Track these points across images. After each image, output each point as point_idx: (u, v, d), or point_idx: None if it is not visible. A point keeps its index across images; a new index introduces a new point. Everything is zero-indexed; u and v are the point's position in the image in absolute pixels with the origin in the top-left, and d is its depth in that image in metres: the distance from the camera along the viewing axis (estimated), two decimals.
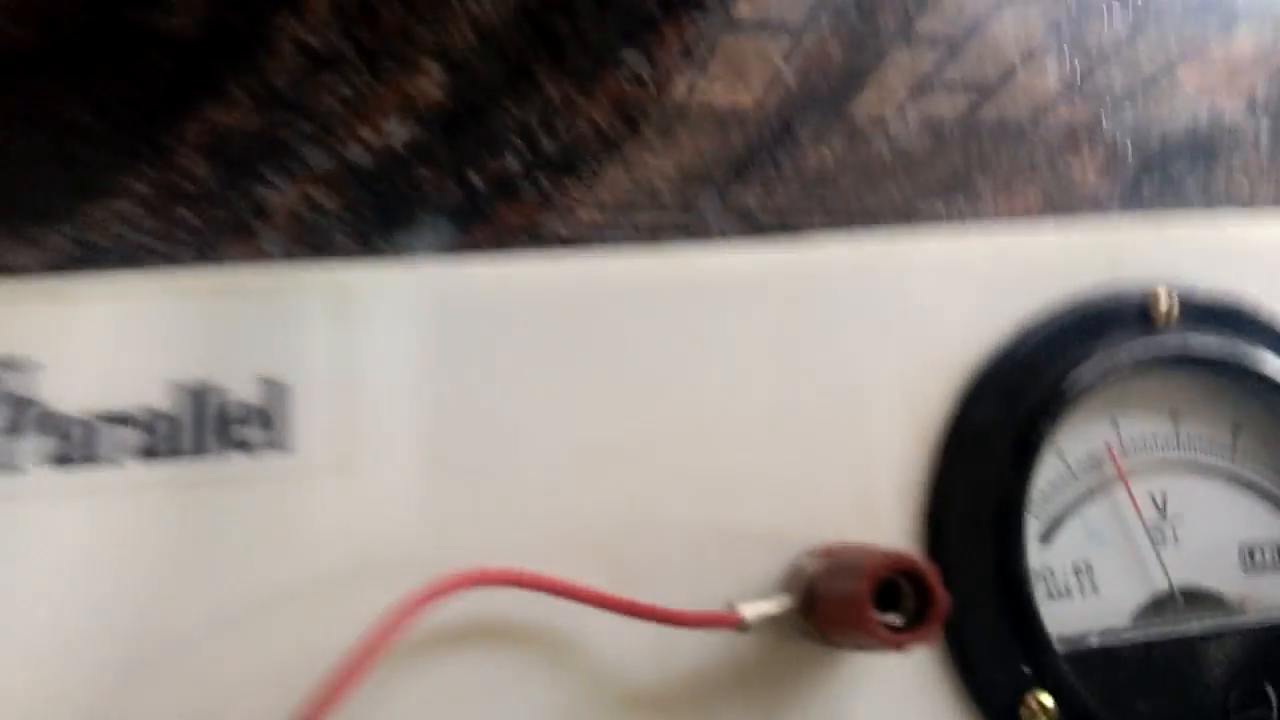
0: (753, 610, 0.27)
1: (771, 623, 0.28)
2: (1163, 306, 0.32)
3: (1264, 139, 0.40)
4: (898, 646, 0.25)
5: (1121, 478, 0.32)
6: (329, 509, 0.28)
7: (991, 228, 0.33)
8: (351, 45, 0.34)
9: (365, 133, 0.36)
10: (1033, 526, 0.32)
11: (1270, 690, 0.30)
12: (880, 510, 0.30)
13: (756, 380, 0.31)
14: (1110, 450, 0.32)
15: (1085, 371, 0.31)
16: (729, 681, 0.29)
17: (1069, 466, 0.32)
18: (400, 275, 0.30)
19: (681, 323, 0.30)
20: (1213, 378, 0.33)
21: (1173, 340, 0.32)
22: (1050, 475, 0.32)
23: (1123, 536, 0.32)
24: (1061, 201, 0.37)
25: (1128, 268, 0.33)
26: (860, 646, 0.27)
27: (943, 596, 0.25)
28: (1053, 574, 0.32)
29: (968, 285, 0.32)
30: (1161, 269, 0.33)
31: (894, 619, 0.25)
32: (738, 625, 0.27)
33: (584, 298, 0.30)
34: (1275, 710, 0.30)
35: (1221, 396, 0.33)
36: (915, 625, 0.25)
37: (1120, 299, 0.32)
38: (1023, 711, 0.29)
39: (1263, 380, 0.32)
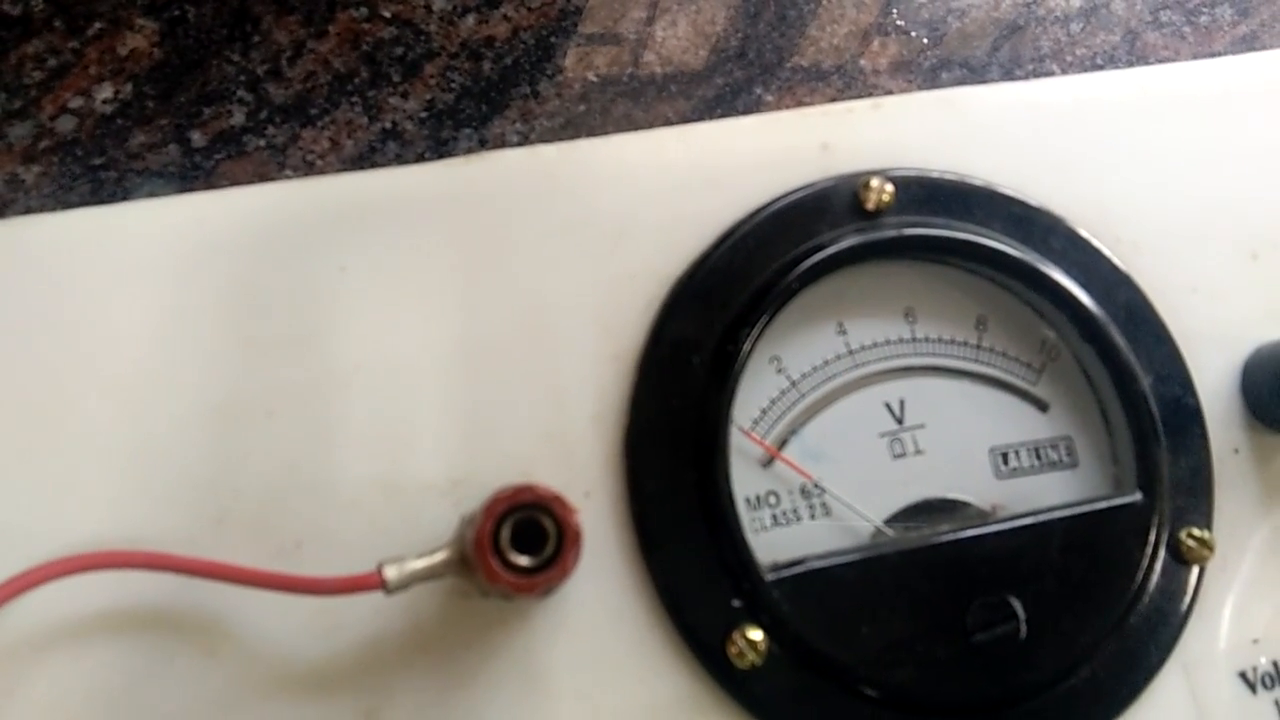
0: (397, 570, 0.24)
1: (448, 583, 0.26)
2: (874, 194, 0.29)
3: None
4: (532, 590, 0.22)
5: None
6: None
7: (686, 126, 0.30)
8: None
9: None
10: (753, 449, 0.29)
11: (1014, 602, 0.28)
12: (574, 442, 0.28)
13: (423, 312, 0.28)
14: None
15: (784, 274, 0.28)
16: (405, 648, 0.26)
17: (791, 381, 0.29)
18: None
19: (321, 258, 0.27)
20: (944, 269, 0.30)
21: (885, 229, 0.29)
22: (771, 391, 0.29)
23: (855, 452, 0.29)
24: None
25: (839, 157, 0.30)
26: (506, 596, 0.24)
27: (573, 524, 0.22)
28: (777, 498, 0.29)
29: (661, 189, 0.29)
30: (877, 155, 0.30)
31: (522, 560, 0.22)
32: (382, 587, 0.24)
33: (192, 240, 0.27)
34: (1022, 623, 0.27)
35: (960, 288, 0.30)
36: (551, 562, 0.22)
37: (828, 192, 0.29)
38: (730, 649, 0.26)
39: (997, 263, 0.30)
